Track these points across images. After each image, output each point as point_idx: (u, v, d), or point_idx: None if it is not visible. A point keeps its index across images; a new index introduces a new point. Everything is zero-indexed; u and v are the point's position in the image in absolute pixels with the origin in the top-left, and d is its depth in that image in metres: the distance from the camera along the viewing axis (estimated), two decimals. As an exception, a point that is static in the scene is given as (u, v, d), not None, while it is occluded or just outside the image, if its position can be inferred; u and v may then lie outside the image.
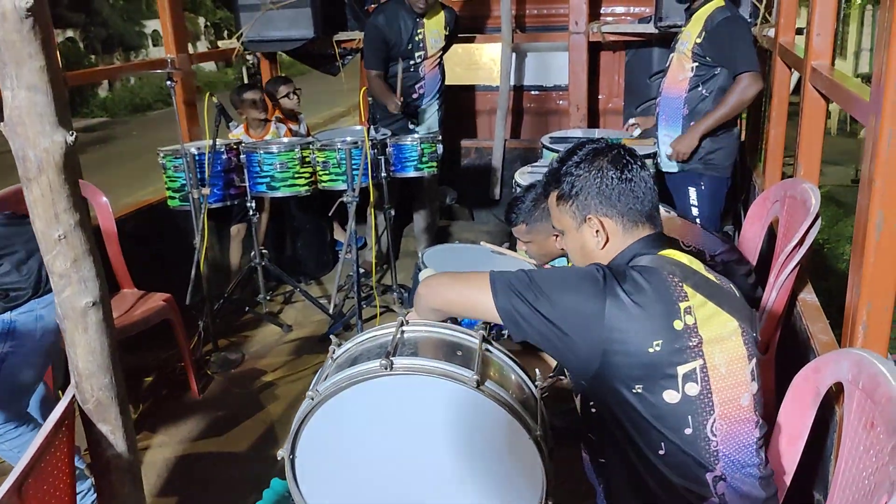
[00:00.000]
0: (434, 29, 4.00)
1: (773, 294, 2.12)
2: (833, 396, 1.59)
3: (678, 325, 1.32)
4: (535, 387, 1.53)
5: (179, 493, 2.55)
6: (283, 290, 4.17)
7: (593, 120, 4.66)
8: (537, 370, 1.57)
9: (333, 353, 1.54)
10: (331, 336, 1.60)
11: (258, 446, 2.77)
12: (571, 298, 1.34)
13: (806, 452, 1.57)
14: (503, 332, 2.26)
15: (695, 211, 3.27)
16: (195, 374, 3.17)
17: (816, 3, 2.27)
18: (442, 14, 4.04)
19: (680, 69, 3.18)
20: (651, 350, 1.30)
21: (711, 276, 1.44)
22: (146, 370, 3.30)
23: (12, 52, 1.09)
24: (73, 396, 1.33)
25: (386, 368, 1.33)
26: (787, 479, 1.56)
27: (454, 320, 1.59)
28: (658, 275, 1.37)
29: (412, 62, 3.99)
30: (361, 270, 3.70)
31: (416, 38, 3.97)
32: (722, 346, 1.36)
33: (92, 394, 1.32)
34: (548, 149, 3.56)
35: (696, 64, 3.10)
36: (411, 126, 4.13)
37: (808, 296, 2.25)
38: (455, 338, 1.50)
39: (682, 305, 1.34)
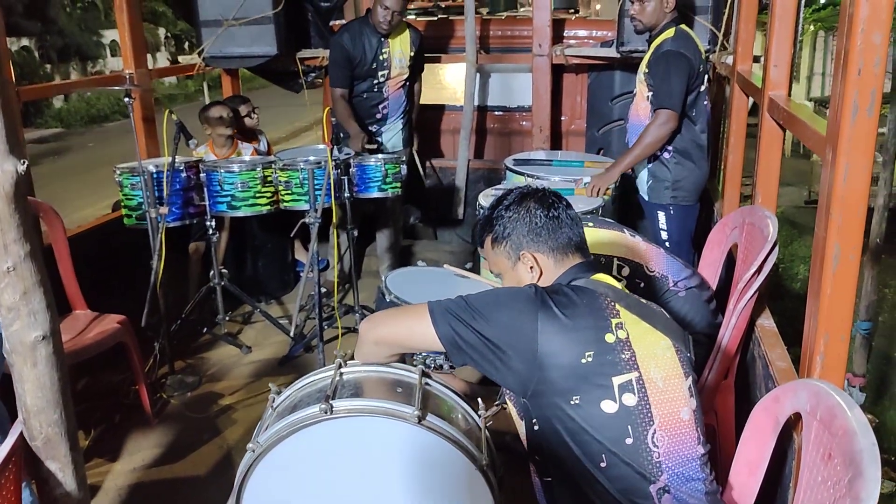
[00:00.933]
0: (399, 48, 4.00)
1: (733, 320, 2.15)
2: (792, 424, 1.61)
3: (609, 338, 1.40)
4: (479, 416, 1.54)
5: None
6: (242, 311, 4.10)
7: (556, 141, 4.70)
8: (479, 400, 1.59)
9: (273, 401, 1.55)
10: (270, 385, 1.60)
11: (215, 472, 2.70)
12: (506, 315, 1.41)
13: (766, 480, 1.58)
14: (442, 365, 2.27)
15: (664, 235, 3.31)
16: (150, 398, 3.09)
17: (774, 34, 2.33)
18: (407, 34, 4.04)
19: (641, 97, 3.24)
20: (583, 361, 1.37)
21: (643, 301, 1.53)
22: (99, 394, 3.20)
23: (-40, 78, 1.04)
24: (21, 433, 1.28)
25: (326, 412, 1.33)
26: (748, 508, 1.58)
27: (403, 358, 1.60)
28: (589, 292, 1.46)
29: (375, 81, 3.98)
30: (323, 290, 3.66)
31: (381, 58, 3.96)
32: (657, 361, 1.43)
33: (41, 430, 1.27)
34: (511, 171, 3.57)
35: (651, 93, 3.16)
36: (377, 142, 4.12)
37: (766, 321, 2.29)
38: (395, 375, 1.52)
39: (614, 321, 1.42)
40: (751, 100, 3.26)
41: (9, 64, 3.08)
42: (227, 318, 3.85)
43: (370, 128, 4.07)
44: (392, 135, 4.16)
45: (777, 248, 2.13)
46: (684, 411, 1.43)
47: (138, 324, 3.14)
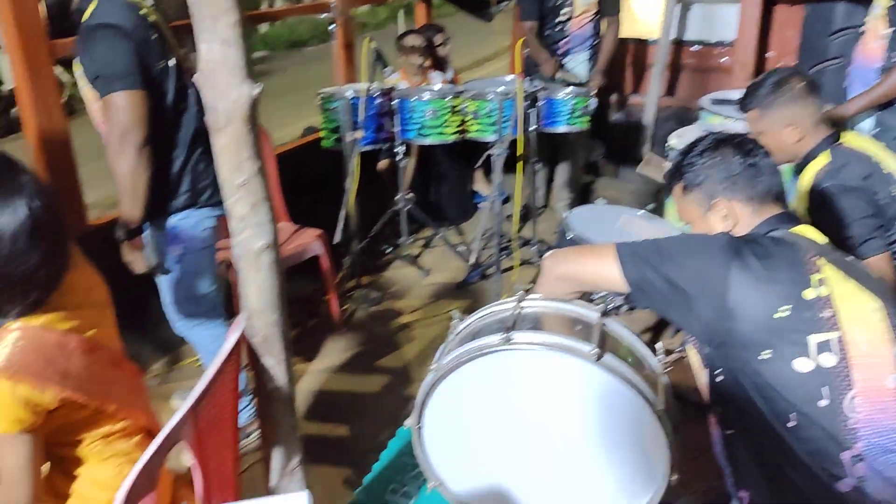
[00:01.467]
0: None
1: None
2: None
3: (809, 294, 1.32)
4: (659, 361, 1.51)
5: (322, 421, 2.73)
6: (423, 235, 4.27)
7: (760, 80, 4.34)
8: (660, 344, 1.55)
9: (456, 327, 1.58)
10: (451, 312, 1.62)
11: (392, 385, 2.90)
12: (697, 261, 1.36)
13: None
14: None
15: None
16: (339, 309, 3.34)
17: None
18: None
19: (874, 35, 2.81)
20: (777, 316, 1.30)
21: (850, 258, 1.43)
22: (295, 301, 3.51)
23: (210, 6, 1.15)
24: (243, 330, 1.45)
25: (505, 343, 1.34)
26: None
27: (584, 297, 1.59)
28: (789, 244, 1.38)
29: (558, 20, 3.90)
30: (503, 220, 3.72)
31: None
32: (862, 323, 1.33)
33: (261, 329, 1.42)
34: (708, 111, 3.36)
35: (893, 30, 2.73)
36: (557, 76, 4.05)
37: None
38: (574, 312, 1.50)
39: (815, 277, 1.33)
40: None
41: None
42: (410, 241, 4.04)
43: (555, 47, 4.01)
44: (575, 64, 4.07)
45: None
46: (891, 378, 1.33)
47: (331, 239, 3.38)
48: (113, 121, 2.03)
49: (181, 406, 1.23)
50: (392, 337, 3.27)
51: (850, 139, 2.12)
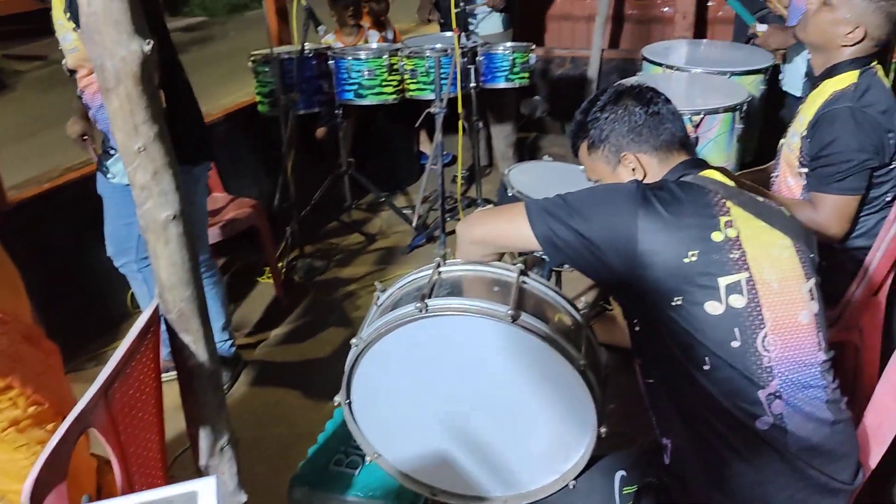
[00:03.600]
0: None
1: (893, 231, 1.94)
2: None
3: (717, 236, 1.31)
4: (582, 316, 1.49)
5: (262, 396, 2.66)
6: (368, 199, 4.18)
7: (700, 29, 4.32)
8: (583, 298, 1.53)
9: (378, 298, 1.56)
10: (376, 283, 1.60)
11: (339, 353, 2.84)
12: (605, 211, 1.34)
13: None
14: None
15: None
16: (282, 280, 3.25)
17: None
18: None
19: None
20: (686, 260, 1.30)
21: (759, 198, 1.42)
22: (235, 273, 3.41)
23: (87, -46, 1.04)
24: (157, 306, 1.36)
25: (421, 311, 1.32)
26: (891, 434, 1.46)
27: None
28: (697, 188, 1.37)
29: None
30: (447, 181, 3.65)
31: None
32: (772, 262, 1.34)
33: (175, 304, 1.34)
34: (649, 62, 3.32)
35: None
36: (469, 25, 3.92)
37: (931, 234, 2.05)
38: (492, 274, 1.48)
39: (723, 219, 1.33)
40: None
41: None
42: (354, 207, 3.94)
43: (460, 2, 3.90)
44: (485, 15, 3.93)
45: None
46: (803, 314, 1.34)
47: (271, 208, 3.27)
48: None
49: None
50: (338, 304, 3.20)
51: (880, 69, 2.01)
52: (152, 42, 1.15)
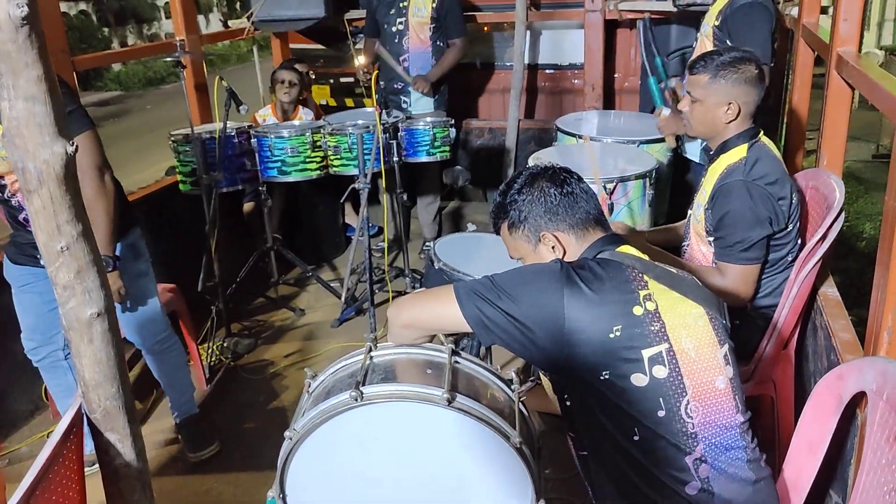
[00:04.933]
0: None
1: (794, 289, 2.07)
2: (856, 402, 1.55)
3: (638, 310, 1.38)
4: (513, 391, 1.52)
5: (191, 484, 2.56)
6: (295, 274, 4.15)
7: (609, 99, 4.57)
8: (512, 372, 1.57)
9: (309, 386, 1.54)
10: (305, 370, 1.59)
11: (272, 433, 2.76)
12: (531, 292, 1.39)
13: (825, 457, 1.53)
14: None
15: None
16: (208, 361, 3.17)
17: (844, -14, 2.18)
18: None
19: (703, 50, 3.05)
20: (611, 336, 1.35)
21: (672, 270, 1.50)
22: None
23: (8, 62, 1.05)
24: (80, 406, 1.32)
25: (356, 399, 1.33)
26: (807, 486, 1.54)
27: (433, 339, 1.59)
28: (615, 265, 1.44)
29: (395, 29, 3.95)
30: (376, 253, 3.68)
31: (401, 5, 3.97)
32: (688, 331, 1.40)
33: (99, 403, 1.30)
34: (563, 132, 3.49)
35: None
36: (403, 105, 4.08)
37: (830, 290, 2.20)
38: (424, 356, 1.50)
39: (642, 293, 1.39)
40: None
41: (64, 40, 3.12)
42: (281, 282, 3.91)
43: (394, 85, 4.05)
44: (420, 96, 4.09)
45: (843, 216, 2.03)
46: (719, 380, 1.41)
47: (195, 289, 3.21)
48: (86, 160, 2.14)
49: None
50: (268, 383, 3.14)
51: (766, 139, 2.16)
52: (76, 143, 1.15)
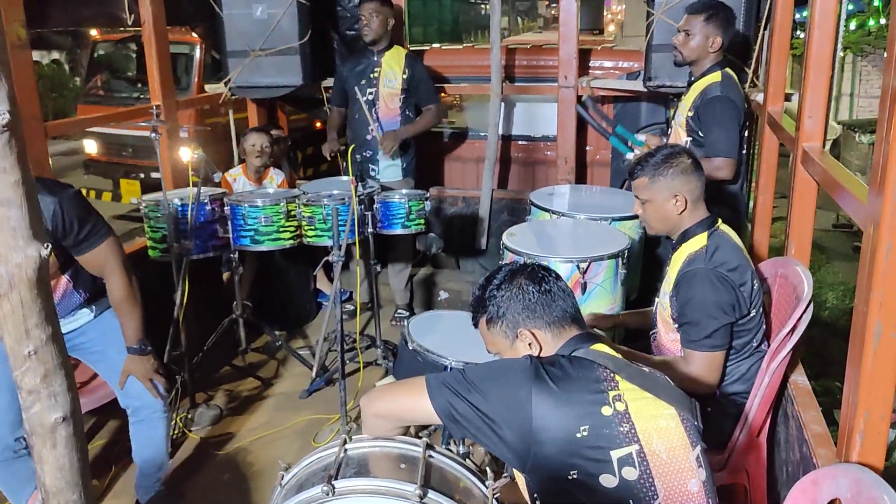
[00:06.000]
0: (389, 69, 4.03)
1: (766, 379, 2.09)
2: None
3: (606, 410, 1.38)
4: (487, 487, 1.52)
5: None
6: (264, 341, 4.08)
7: (581, 172, 4.65)
8: (488, 470, 1.56)
9: (282, 478, 1.53)
10: (279, 461, 1.58)
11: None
12: (500, 388, 1.41)
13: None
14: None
15: None
16: (171, 433, 3.07)
17: (808, 85, 2.27)
18: (402, 53, 4.08)
19: (677, 140, 3.12)
20: (579, 435, 1.35)
21: (646, 369, 1.51)
22: (116, 432, 3.19)
23: (-15, 166, 1.03)
24: (39, 512, 1.26)
25: (328, 494, 1.32)
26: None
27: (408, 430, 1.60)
28: (587, 363, 1.45)
29: (365, 99, 4.00)
30: (345, 317, 3.64)
31: (372, 76, 4.03)
32: (660, 433, 1.40)
33: (59, 510, 1.25)
34: (536, 206, 3.53)
35: (690, 139, 3.04)
36: (372, 172, 4.11)
37: (800, 378, 2.23)
38: (398, 449, 1.50)
39: (612, 393, 1.40)
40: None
41: (37, 105, 3.09)
42: (250, 350, 3.84)
43: (363, 153, 4.08)
44: (387, 164, 4.12)
45: (812, 307, 2.07)
46: (692, 483, 1.41)
47: (161, 358, 3.12)
48: (112, 264, 2.33)
49: None
50: (232, 460, 3.05)
51: (725, 227, 2.23)
52: (50, 246, 1.13)
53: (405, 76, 4.04)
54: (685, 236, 2.20)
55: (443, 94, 4.51)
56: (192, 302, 3.33)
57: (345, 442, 1.52)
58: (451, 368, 2.15)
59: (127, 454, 2.70)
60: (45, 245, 1.12)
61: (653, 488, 1.37)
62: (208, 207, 3.39)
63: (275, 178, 4.11)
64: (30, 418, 1.19)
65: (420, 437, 1.55)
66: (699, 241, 2.17)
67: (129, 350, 2.43)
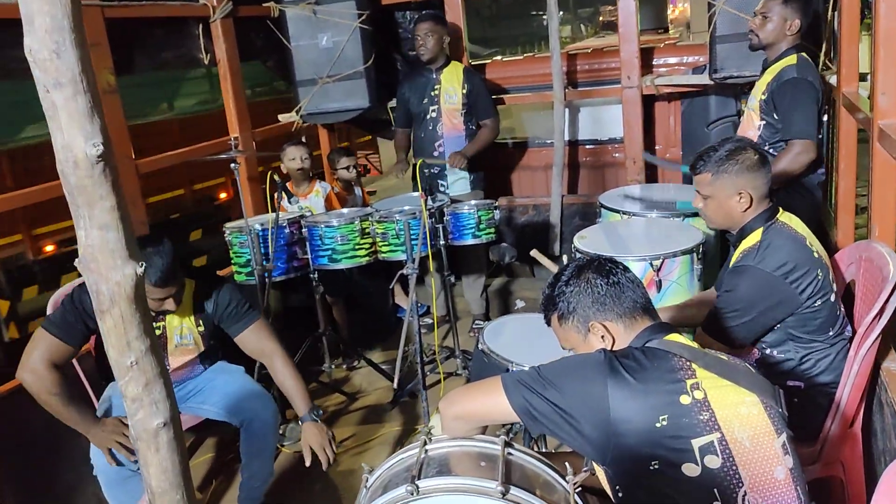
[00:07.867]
0: (449, 86, 4.09)
1: (855, 366, 2.02)
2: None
3: (685, 399, 1.37)
4: (567, 482, 1.52)
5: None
6: (347, 357, 4.19)
7: (651, 172, 4.60)
8: (567, 465, 1.57)
9: (366, 480, 1.58)
10: (363, 465, 1.64)
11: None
12: (576, 383, 1.42)
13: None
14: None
15: None
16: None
17: (879, 59, 2.20)
18: (460, 69, 4.15)
19: (749, 125, 3.03)
20: (658, 425, 1.35)
21: (724, 357, 1.49)
22: (214, 447, 3.35)
23: (84, 195, 1.14)
24: (148, 514, 1.36)
25: (413, 494, 1.36)
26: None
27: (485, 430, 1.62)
28: (662, 353, 1.44)
29: (428, 117, 4.09)
30: (423, 331, 3.70)
31: (433, 94, 4.10)
32: (741, 420, 1.39)
33: (165, 511, 1.34)
34: (606, 209, 3.52)
35: (763, 122, 2.95)
36: (441, 188, 4.18)
37: (893, 364, 2.14)
38: (478, 448, 1.53)
39: (689, 382, 1.39)
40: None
41: (129, 146, 3.31)
42: (333, 366, 3.96)
43: (431, 169, 4.16)
44: (456, 178, 4.18)
45: (899, 288, 1.99)
46: (778, 470, 1.38)
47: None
48: (268, 342, 2.67)
49: None
50: (321, 472, 3.13)
51: (785, 218, 2.16)
52: (144, 264, 1.23)
53: (465, 91, 4.11)
54: (743, 233, 2.17)
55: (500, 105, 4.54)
56: (279, 322, 3.47)
57: (425, 443, 1.56)
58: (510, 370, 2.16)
59: (226, 470, 2.84)
60: (140, 264, 1.22)
61: (737, 476, 1.35)
62: (287, 230, 3.53)
63: (320, 190, 4.19)
64: (135, 424, 1.29)
65: (498, 436, 1.58)
66: (754, 238, 2.13)
67: (302, 420, 2.54)
